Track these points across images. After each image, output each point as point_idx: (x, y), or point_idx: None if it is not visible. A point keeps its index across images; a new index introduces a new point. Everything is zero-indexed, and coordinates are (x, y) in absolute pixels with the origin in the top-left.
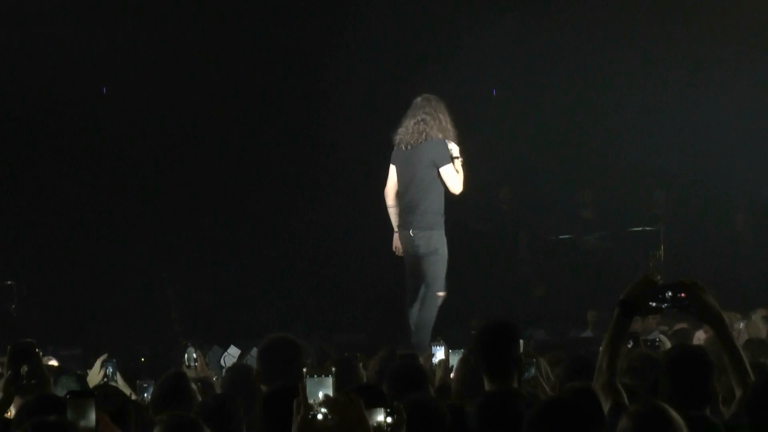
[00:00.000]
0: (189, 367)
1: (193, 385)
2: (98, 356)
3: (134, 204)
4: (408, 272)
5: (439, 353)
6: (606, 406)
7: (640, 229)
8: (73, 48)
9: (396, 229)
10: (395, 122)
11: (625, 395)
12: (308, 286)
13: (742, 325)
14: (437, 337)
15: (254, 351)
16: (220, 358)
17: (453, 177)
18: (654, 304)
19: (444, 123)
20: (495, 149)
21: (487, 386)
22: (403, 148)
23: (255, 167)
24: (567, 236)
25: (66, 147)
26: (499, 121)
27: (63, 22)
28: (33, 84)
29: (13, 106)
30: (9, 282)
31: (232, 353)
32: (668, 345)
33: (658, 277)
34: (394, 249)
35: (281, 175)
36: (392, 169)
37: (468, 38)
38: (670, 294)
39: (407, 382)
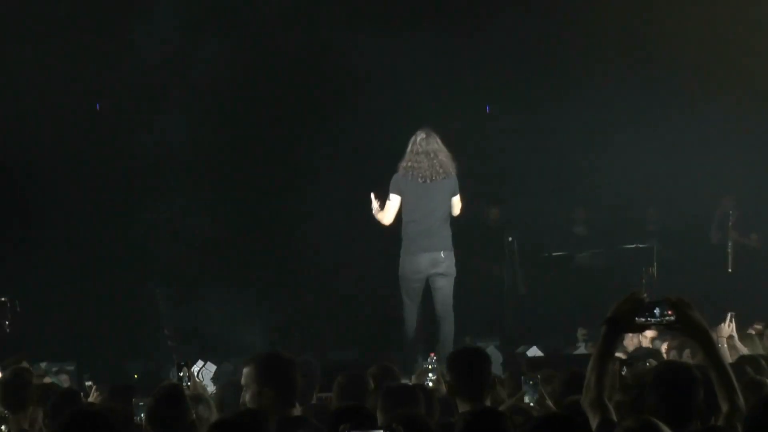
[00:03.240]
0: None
1: (188, 402)
2: (91, 373)
3: (127, 220)
4: (414, 289)
5: (432, 372)
6: (594, 423)
7: (633, 246)
8: (66, 64)
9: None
10: (391, 138)
11: (613, 411)
12: (301, 303)
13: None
14: (430, 354)
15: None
16: (212, 374)
17: (459, 203)
18: (642, 320)
19: (449, 155)
20: (489, 165)
21: (460, 408)
22: (420, 181)
23: (248, 184)
24: (561, 253)
25: (59, 163)
26: (492, 138)
27: (57, 37)
28: (27, 101)
29: (6, 122)
30: (3, 298)
31: (225, 370)
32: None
33: (645, 295)
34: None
35: (275, 192)
36: (397, 199)
37: (462, 54)
38: (657, 311)
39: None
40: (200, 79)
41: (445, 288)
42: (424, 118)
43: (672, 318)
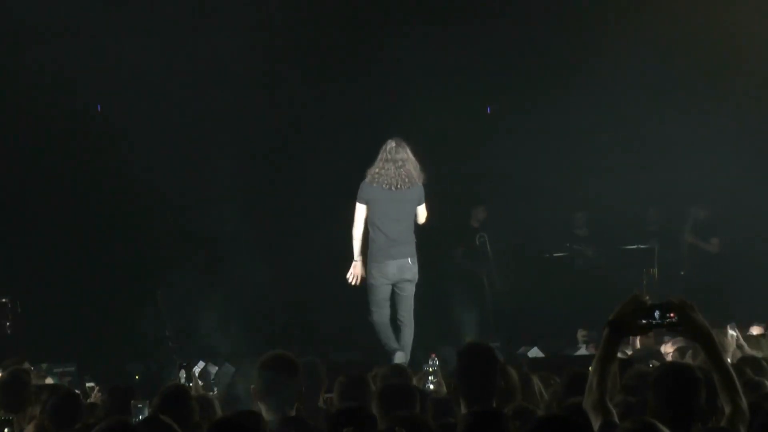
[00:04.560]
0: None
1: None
2: (92, 374)
3: (129, 222)
4: (383, 297)
5: (434, 374)
6: (596, 425)
7: (634, 246)
8: (67, 66)
9: (357, 258)
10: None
11: (615, 413)
12: (302, 305)
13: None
14: (431, 354)
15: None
16: (213, 375)
17: (424, 212)
18: (644, 322)
19: (417, 166)
20: (489, 165)
21: (463, 409)
22: (385, 188)
23: (250, 186)
24: (562, 254)
25: (60, 165)
26: (493, 138)
27: (58, 39)
28: (29, 102)
29: (8, 124)
30: (3, 299)
31: (226, 371)
32: None
33: (647, 297)
34: (350, 276)
35: (275, 197)
36: (362, 207)
37: (464, 55)
38: (659, 313)
39: (398, 400)
40: (200, 79)
41: (409, 293)
42: (426, 117)
43: (674, 320)
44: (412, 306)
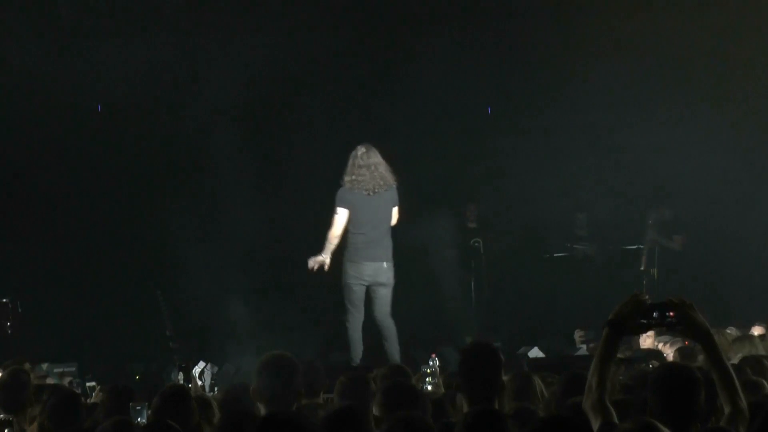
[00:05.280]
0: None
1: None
2: (93, 374)
3: (129, 221)
4: (358, 297)
5: (432, 376)
6: (596, 425)
7: (634, 246)
8: (68, 66)
9: (326, 258)
10: (399, 142)
11: (614, 414)
12: (302, 305)
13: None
14: (431, 354)
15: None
16: (213, 376)
17: (397, 214)
18: (644, 322)
19: (388, 168)
20: (489, 166)
21: (465, 408)
22: (365, 193)
23: (248, 186)
24: (562, 254)
25: (61, 164)
26: (493, 138)
27: (58, 39)
28: (29, 103)
29: (8, 123)
30: (4, 299)
31: (227, 371)
32: None
33: (647, 297)
34: (311, 262)
35: (274, 195)
36: (344, 212)
37: (462, 55)
38: (658, 313)
39: (400, 400)
40: (204, 80)
41: (384, 297)
42: (425, 117)
43: (674, 320)
44: (389, 309)
